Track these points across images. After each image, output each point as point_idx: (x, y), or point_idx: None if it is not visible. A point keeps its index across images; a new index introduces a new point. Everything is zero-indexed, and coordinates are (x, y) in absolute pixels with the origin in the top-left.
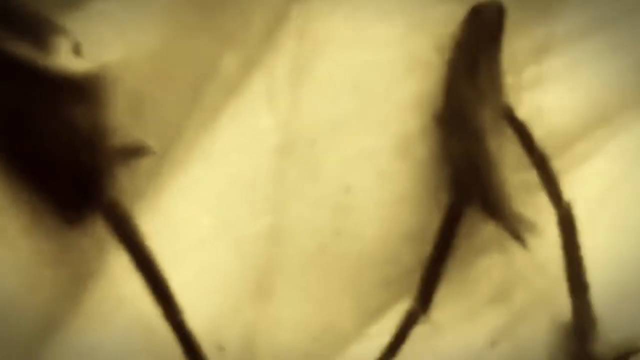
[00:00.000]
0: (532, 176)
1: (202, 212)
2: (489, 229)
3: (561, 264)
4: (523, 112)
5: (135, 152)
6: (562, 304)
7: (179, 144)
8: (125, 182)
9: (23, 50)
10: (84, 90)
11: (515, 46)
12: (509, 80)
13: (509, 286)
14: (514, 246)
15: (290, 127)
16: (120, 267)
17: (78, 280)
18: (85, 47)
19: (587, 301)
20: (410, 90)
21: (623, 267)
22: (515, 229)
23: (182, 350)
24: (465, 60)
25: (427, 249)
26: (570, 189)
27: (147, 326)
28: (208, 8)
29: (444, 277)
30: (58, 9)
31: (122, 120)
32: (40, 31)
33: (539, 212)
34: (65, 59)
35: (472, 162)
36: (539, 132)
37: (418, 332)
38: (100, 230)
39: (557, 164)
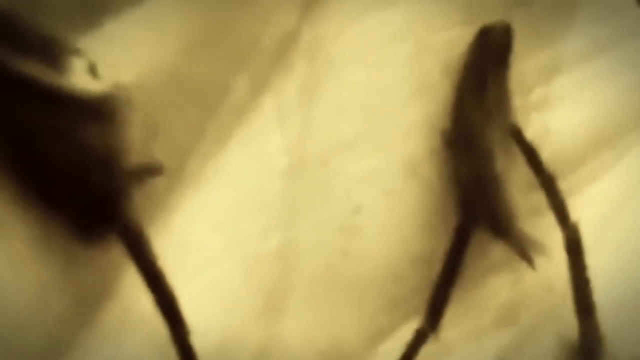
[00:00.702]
0: (539, 197)
1: (213, 231)
2: (497, 249)
3: (568, 284)
4: (531, 132)
5: (148, 172)
6: (569, 323)
7: (190, 164)
8: (138, 201)
9: (38, 71)
10: (98, 111)
11: (523, 67)
12: (517, 101)
13: (517, 306)
14: (521, 266)
15: (300, 147)
16: (133, 287)
17: (91, 300)
18: (99, 68)
19: (594, 321)
20: (419, 112)
21: (629, 287)
22: (522, 249)
23: None
24: (473, 82)
25: (435, 269)
26: (577, 210)
27: (159, 347)
28: (220, 30)
29: (453, 296)
30: (73, 30)
31: (136, 140)
32: (55, 52)
33: (546, 232)
34: (80, 80)
35: (479, 183)
36: (547, 153)
37: (426, 352)
38: (114, 250)
39: (564, 185)
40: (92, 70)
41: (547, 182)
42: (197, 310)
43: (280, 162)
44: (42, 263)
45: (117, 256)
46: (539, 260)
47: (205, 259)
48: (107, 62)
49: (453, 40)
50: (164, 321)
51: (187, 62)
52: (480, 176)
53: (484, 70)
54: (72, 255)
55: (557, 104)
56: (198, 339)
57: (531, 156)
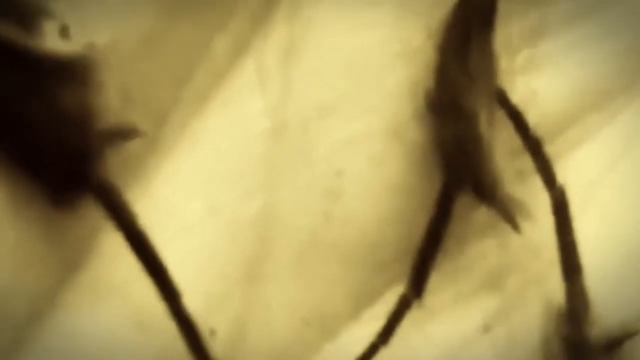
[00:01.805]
0: (525, 160)
1: (193, 196)
2: (482, 214)
3: (555, 248)
4: (517, 96)
5: (124, 134)
6: (556, 288)
7: (169, 128)
8: (116, 166)
9: (9, 32)
10: (71, 73)
11: (509, 30)
12: (503, 64)
13: (503, 271)
14: (507, 231)
15: (281, 111)
16: (111, 250)
17: (68, 263)
18: (72, 29)
19: (580, 285)
20: (402, 74)
21: (616, 250)
22: (508, 213)
23: (180, 331)
24: (456, 44)
25: (419, 233)
26: (564, 173)
27: (139, 309)
28: None
29: (437, 262)
30: None
31: (111, 103)
32: (26, 13)
33: (533, 196)
34: (52, 42)
35: (463, 146)
36: (533, 117)
37: (411, 317)
38: (90, 213)
39: (551, 149)
40: (64, 32)
41: (534, 146)
42: (177, 276)
43: (261, 125)
44: (18, 227)
45: (95, 219)
46: (525, 224)
47: (185, 223)
48: (79, 23)
49: (437, 0)
50: (151, 281)
51: (164, 24)
52: (464, 139)
53: (468, 31)
54: (50, 218)
55: (544, 66)
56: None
57: (517, 119)
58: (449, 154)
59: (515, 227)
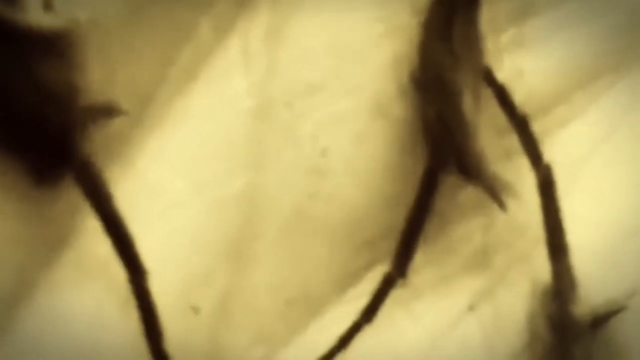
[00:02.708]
0: (512, 139)
1: (177, 174)
2: (468, 193)
3: (541, 227)
4: (503, 74)
5: (106, 112)
6: (542, 266)
7: (153, 106)
8: (99, 144)
9: None
10: (54, 47)
11: (495, 8)
12: (489, 43)
13: (489, 250)
14: (493, 209)
15: (265, 90)
16: (94, 229)
17: (52, 242)
18: (55, 3)
19: (566, 264)
20: (387, 52)
21: (602, 229)
22: (494, 191)
23: (140, 315)
24: (441, 22)
25: (404, 212)
26: (550, 152)
27: (122, 287)
28: None
29: (422, 240)
30: None
31: (95, 80)
32: None
33: (519, 175)
34: (35, 15)
35: (448, 125)
36: (519, 95)
37: (396, 296)
38: (73, 191)
39: (537, 127)
40: (47, 5)
41: (520, 124)
42: (161, 254)
43: (246, 104)
44: (0, 205)
45: (77, 197)
46: (511, 203)
47: (169, 202)
48: None
49: None
50: (121, 265)
51: (149, 2)
52: (448, 118)
53: (453, 10)
54: (31, 197)
55: (530, 45)
56: (160, 284)
57: (503, 98)
58: (433, 133)
59: (501, 205)
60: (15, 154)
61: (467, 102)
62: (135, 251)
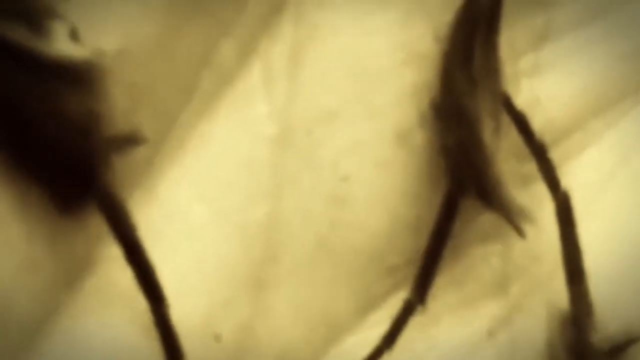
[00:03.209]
0: (529, 165)
1: (198, 200)
2: (486, 219)
3: (559, 253)
4: (521, 100)
5: (130, 140)
6: (560, 293)
7: (175, 133)
8: (121, 170)
9: (18, 34)
10: (80, 78)
11: (513, 34)
12: (507, 68)
13: (507, 276)
14: (511, 236)
15: (287, 115)
16: (115, 257)
17: (74, 269)
18: (81, 33)
19: (584, 290)
20: (408, 79)
21: (620, 256)
22: (512, 218)
23: (161, 343)
24: (461, 49)
25: (424, 238)
26: (568, 178)
27: (144, 315)
28: None
29: (442, 266)
30: None
31: (118, 108)
32: (36, 15)
33: (537, 201)
34: (61, 45)
35: (468, 152)
36: (537, 121)
37: (415, 322)
38: (96, 219)
39: (555, 153)
40: (74, 35)
41: (538, 151)
42: (182, 281)
43: (267, 130)
44: (24, 232)
45: (98, 227)
46: (529, 230)
47: (190, 228)
48: (89, 26)
49: (444, 4)
50: (143, 296)
51: (172, 28)
52: (468, 145)
53: (473, 36)
54: (53, 225)
55: (548, 70)
56: (182, 311)
57: (521, 124)
58: (453, 159)
59: (519, 232)
60: (39, 182)
61: (486, 129)
62: (156, 279)
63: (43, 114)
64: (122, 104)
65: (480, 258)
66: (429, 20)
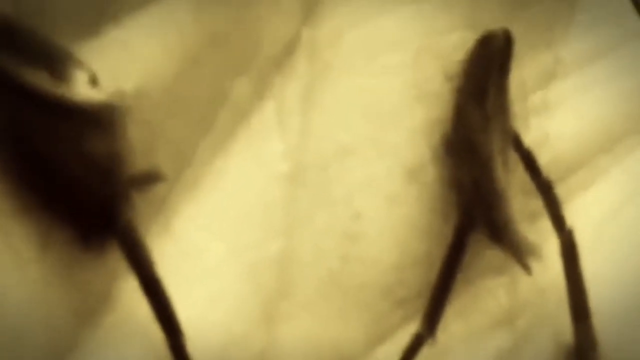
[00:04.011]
0: (536, 202)
1: (213, 237)
2: (493, 253)
3: (563, 289)
4: (530, 138)
5: (148, 179)
6: (565, 327)
7: (190, 170)
8: (138, 208)
9: (40, 80)
10: (100, 120)
11: (522, 72)
12: (517, 106)
13: (513, 309)
14: (517, 270)
15: (300, 153)
16: (133, 293)
17: (91, 305)
18: (100, 76)
19: (589, 325)
20: (420, 117)
21: (625, 292)
22: (519, 254)
23: None
24: (473, 89)
25: (434, 272)
26: (573, 215)
27: (159, 351)
28: (220, 35)
29: (450, 300)
30: (74, 37)
31: (136, 147)
32: (57, 61)
33: (543, 236)
34: (82, 89)
35: (478, 189)
36: (545, 158)
37: (424, 353)
38: (114, 256)
39: (561, 190)
40: (93, 80)
41: (544, 189)
42: (198, 316)
43: (281, 167)
44: (45, 269)
45: (117, 262)
46: (535, 265)
47: (206, 265)
48: (107, 69)
49: (454, 44)
50: (160, 329)
51: (188, 67)
52: (479, 182)
53: (485, 77)
54: (73, 261)
55: (556, 108)
56: (199, 346)
57: (529, 162)
58: (464, 196)
59: (526, 269)
60: (61, 220)
61: (497, 167)
62: (174, 313)
63: (65, 155)
64: (141, 143)
65: (488, 291)
66: (441, 60)
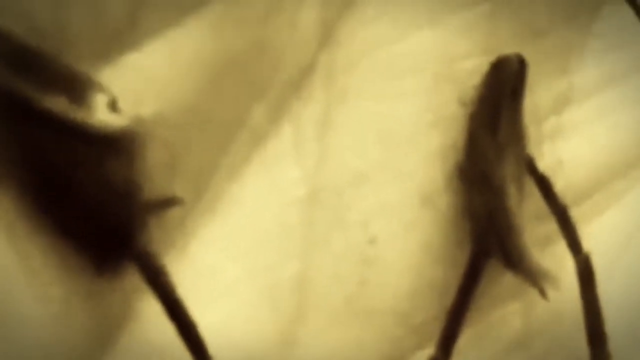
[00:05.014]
0: (551, 226)
1: (230, 260)
2: (508, 278)
3: (580, 313)
4: (544, 163)
5: (166, 203)
6: (581, 352)
7: (207, 194)
8: (155, 231)
9: (60, 105)
10: (119, 146)
11: (536, 97)
12: (531, 131)
13: (528, 334)
14: (533, 295)
15: (317, 177)
16: (149, 316)
17: (108, 329)
18: (120, 102)
19: (605, 351)
20: (435, 143)
21: None
22: (534, 279)
23: None
24: (487, 115)
25: (449, 297)
26: (589, 240)
27: None
28: (238, 59)
29: (465, 325)
30: (92, 63)
31: (154, 172)
32: (77, 87)
33: (558, 261)
34: (102, 115)
35: (492, 216)
36: (559, 183)
37: None
38: (130, 280)
39: (576, 214)
40: (113, 105)
41: (560, 214)
42: (215, 338)
43: (297, 191)
44: (61, 291)
45: (135, 285)
46: (550, 290)
47: (222, 287)
48: (126, 95)
49: (471, 70)
50: (186, 349)
51: (206, 92)
52: (493, 209)
53: (497, 102)
54: (91, 285)
55: (570, 134)
56: None
57: (544, 186)
58: (478, 223)
59: (542, 293)
60: (78, 244)
61: (511, 193)
62: (200, 336)
63: (83, 180)
64: (159, 167)
65: (503, 316)
66: (456, 85)
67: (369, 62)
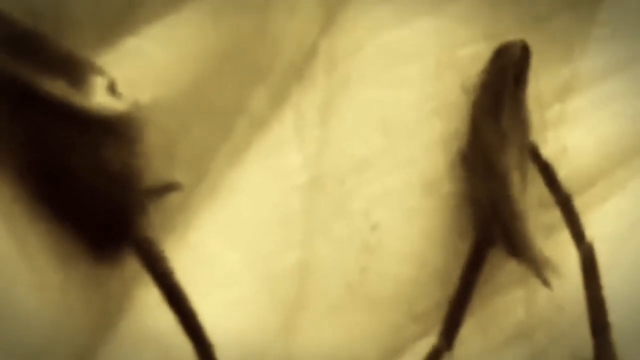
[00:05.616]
0: (554, 215)
1: (230, 247)
2: (512, 267)
3: (583, 303)
4: (547, 151)
5: (165, 189)
6: (584, 342)
7: (207, 180)
8: (155, 217)
9: (58, 89)
10: (118, 130)
11: (539, 85)
12: (534, 119)
13: (531, 323)
14: (535, 284)
15: (318, 164)
16: (149, 303)
17: (107, 315)
18: (119, 86)
19: (608, 340)
20: (438, 129)
21: None
22: (537, 267)
23: None
24: (490, 100)
25: (451, 285)
26: (592, 228)
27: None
28: (238, 45)
29: (468, 313)
30: (91, 47)
31: (153, 157)
32: (77, 70)
33: (561, 249)
34: (100, 98)
35: (495, 203)
36: (563, 171)
37: None
38: (129, 267)
39: (579, 202)
40: (112, 89)
41: (563, 202)
42: (215, 326)
43: (299, 178)
44: (59, 278)
45: (134, 272)
46: (553, 279)
47: (221, 274)
48: (125, 79)
49: (473, 56)
50: (185, 336)
51: (206, 77)
52: (496, 197)
53: (500, 88)
54: (89, 272)
55: (574, 121)
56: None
57: (548, 174)
58: (481, 210)
59: (545, 282)
60: (76, 230)
61: (514, 180)
62: (200, 324)
63: (82, 164)
64: (158, 152)
65: (506, 305)
66: (458, 71)
67: (371, 48)
